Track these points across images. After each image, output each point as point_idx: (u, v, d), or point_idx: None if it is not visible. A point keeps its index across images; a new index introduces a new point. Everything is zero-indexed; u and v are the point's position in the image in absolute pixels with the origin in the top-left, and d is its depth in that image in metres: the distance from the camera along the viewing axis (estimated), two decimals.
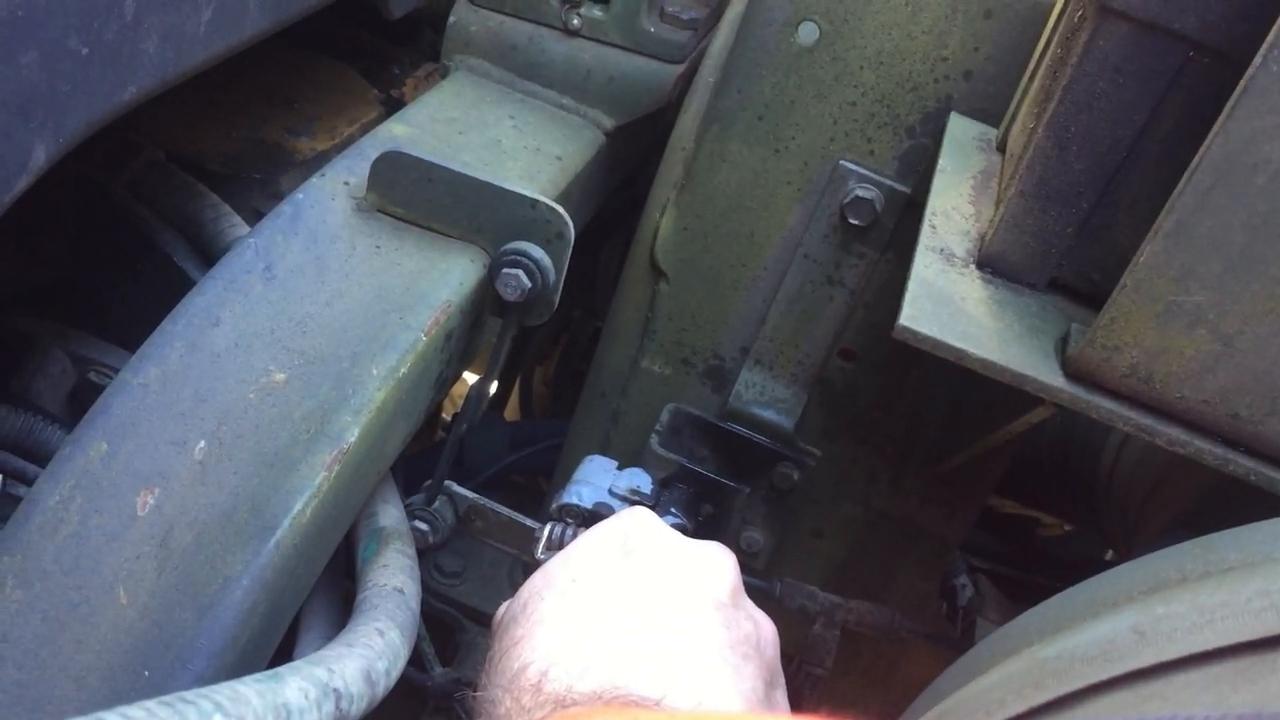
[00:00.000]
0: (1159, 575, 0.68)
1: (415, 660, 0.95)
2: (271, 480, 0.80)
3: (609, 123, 1.27)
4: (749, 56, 1.09)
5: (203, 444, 0.80)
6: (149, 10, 0.79)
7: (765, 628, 0.76)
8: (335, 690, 0.69)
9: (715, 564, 0.76)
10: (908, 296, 0.80)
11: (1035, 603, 0.77)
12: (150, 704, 0.55)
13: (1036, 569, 1.64)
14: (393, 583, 0.90)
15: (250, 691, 0.62)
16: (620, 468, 1.14)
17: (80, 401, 1.05)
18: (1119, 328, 0.73)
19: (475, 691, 0.70)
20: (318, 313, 0.89)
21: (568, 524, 0.98)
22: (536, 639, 0.68)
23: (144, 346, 0.84)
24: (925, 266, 0.83)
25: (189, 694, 0.58)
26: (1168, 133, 0.75)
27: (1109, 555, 1.86)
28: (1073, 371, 0.77)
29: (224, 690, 0.60)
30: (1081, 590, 0.74)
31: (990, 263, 0.85)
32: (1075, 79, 0.76)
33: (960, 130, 1.02)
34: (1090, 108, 0.77)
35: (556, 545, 0.95)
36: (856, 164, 1.10)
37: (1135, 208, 0.79)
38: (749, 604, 0.77)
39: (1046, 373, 0.77)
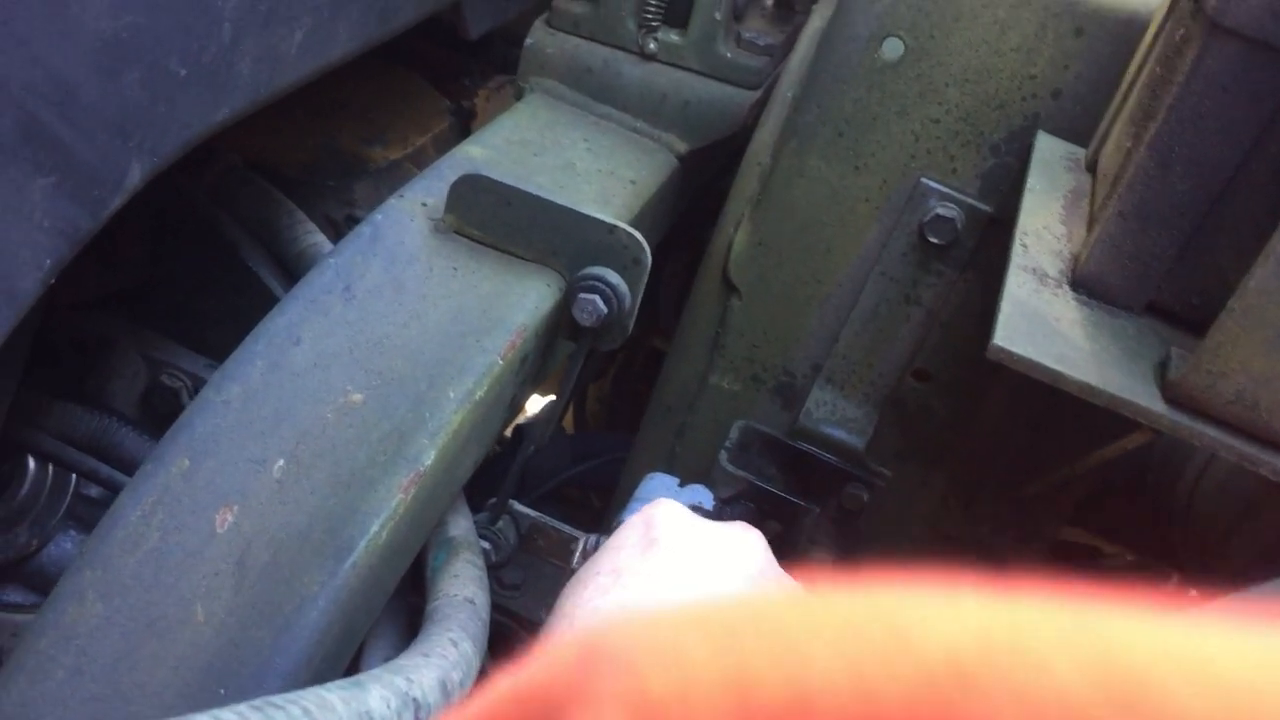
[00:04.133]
0: None
1: (480, 680, 0.95)
2: (349, 501, 0.80)
3: (682, 147, 1.26)
4: (830, 72, 1.08)
5: (281, 463, 0.80)
6: (245, 34, 0.79)
7: None
8: (414, 700, 0.68)
9: (742, 542, 0.75)
10: (1001, 316, 0.78)
11: None
12: (241, 707, 0.55)
13: (1096, 597, 1.60)
14: (464, 593, 0.89)
15: (335, 699, 0.61)
16: (683, 484, 1.13)
17: (152, 404, 1.05)
18: (1225, 353, 0.71)
19: None
20: (395, 334, 0.88)
21: (602, 534, 0.97)
22: (558, 631, 0.68)
23: (226, 364, 0.84)
24: (1018, 286, 0.82)
25: (277, 699, 0.58)
26: (1278, 153, 0.74)
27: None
28: (1173, 397, 0.75)
29: (310, 696, 0.60)
30: None
31: (1085, 284, 0.83)
32: (1181, 98, 0.75)
33: (1048, 149, 1.00)
34: (1196, 127, 0.75)
35: (591, 555, 0.95)
36: (938, 182, 1.08)
37: (1240, 230, 0.77)
38: (782, 574, 0.76)
39: (1146, 397, 0.75)
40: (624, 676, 0.21)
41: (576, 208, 0.94)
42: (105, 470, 0.99)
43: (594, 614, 0.68)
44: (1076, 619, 0.19)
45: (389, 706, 0.65)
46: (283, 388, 0.83)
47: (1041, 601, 0.20)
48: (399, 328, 0.89)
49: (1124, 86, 0.95)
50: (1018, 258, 0.84)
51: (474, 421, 0.88)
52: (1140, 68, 0.92)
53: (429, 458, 0.83)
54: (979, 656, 0.19)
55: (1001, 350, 0.76)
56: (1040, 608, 0.20)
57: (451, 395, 0.86)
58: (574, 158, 1.16)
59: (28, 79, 0.62)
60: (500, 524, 1.07)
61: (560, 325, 0.98)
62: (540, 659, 0.25)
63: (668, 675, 0.21)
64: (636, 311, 0.96)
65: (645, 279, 0.95)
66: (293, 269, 1.06)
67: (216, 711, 0.53)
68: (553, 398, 1.09)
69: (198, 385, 1.04)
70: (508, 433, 1.67)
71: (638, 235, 0.93)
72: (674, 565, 0.71)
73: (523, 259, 0.97)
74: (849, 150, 1.10)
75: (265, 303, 1.03)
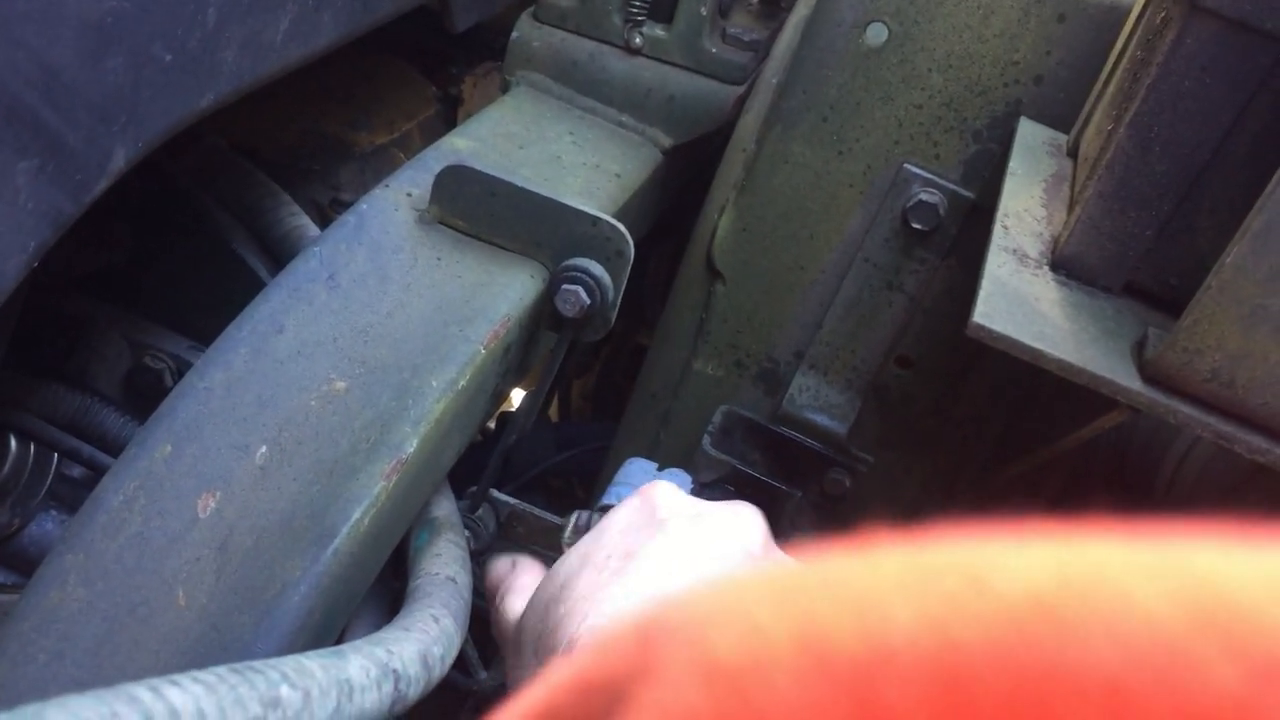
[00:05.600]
0: None
1: (458, 663, 0.95)
2: (331, 488, 0.80)
3: (667, 141, 1.27)
4: (815, 57, 1.09)
5: (264, 449, 0.80)
6: (230, 20, 0.80)
7: None
8: (394, 671, 0.69)
9: (743, 520, 0.76)
10: (981, 294, 0.79)
11: None
12: (221, 670, 0.55)
13: None
14: (446, 572, 0.89)
15: (315, 665, 0.61)
16: (664, 469, 1.13)
17: (135, 385, 1.05)
18: (1201, 330, 0.72)
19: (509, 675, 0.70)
20: (379, 322, 0.89)
21: (594, 511, 0.98)
22: (579, 614, 0.68)
23: (209, 350, 0.85)
24: (998, 266, 0.82)
25: (256, 663, 0.58)
26: (1256, 134, 0.74)
27: None
28: (1150, 375, 0.75)
29: (289, 662, 0.60)
30: None
31: (1065, 265, 0.83)
32: (1160, 78, 0.75)
33: (1030, 134, 1.00)
34: (1175, 108, 0.75)
35: (584, 531, 0.95)
36: (921, 167, 1.09)
37: (1218, 210, 0.77)
38: (779, 553, 0.79)
39: (1124, 375, 0.76)
40: (691, 646, 0.21)
41: (560, 199, 0.94)
42: (87, 450, 0.99)
43: (617, 598, 0.68)
44: (1155, 551, 0.19)
45: (368, 675, 0.65)
46: (266, 375, 0.83)
47: (1114, 539, 0.20)
48: (383, 317, 0.89)
49: (1105, 72, 0.96)
50: (998, 239, 0.85)
51: (457, 410, 0.88)
52: (1122, 53, 0.92)
53: (411, 446, 0.83)
54: (1062, 593, 0.19)
55: (981, 328, 0.76)
56: (1115, 544, 0.20)
57: (434, 384, 0.87)
58: (559, 151, 1.16)
59: (11, 61, 0.62)
60: (480, 512, 1.08)
61: (543, 316, 0.98)
62: (596, 645, 0.24)
63: (737, 639, 0.20)
64: (619, 304, 0.97)
65: (628, 271, 0.95)
66: (277, 252, 1.06)
67: (196, 673, 0.54)
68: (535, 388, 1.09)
69: (180, 367, 1.04)
70: (491, 424, 1.67)
71: (621, 227, 0.94)
72: (684, 546, 0.72)
73: (506, 250, 0.97)
74: (833, 136, 1.10)
75: (249, 285, 1.03)
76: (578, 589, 0.71)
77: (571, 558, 0.76)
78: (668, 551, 0.71)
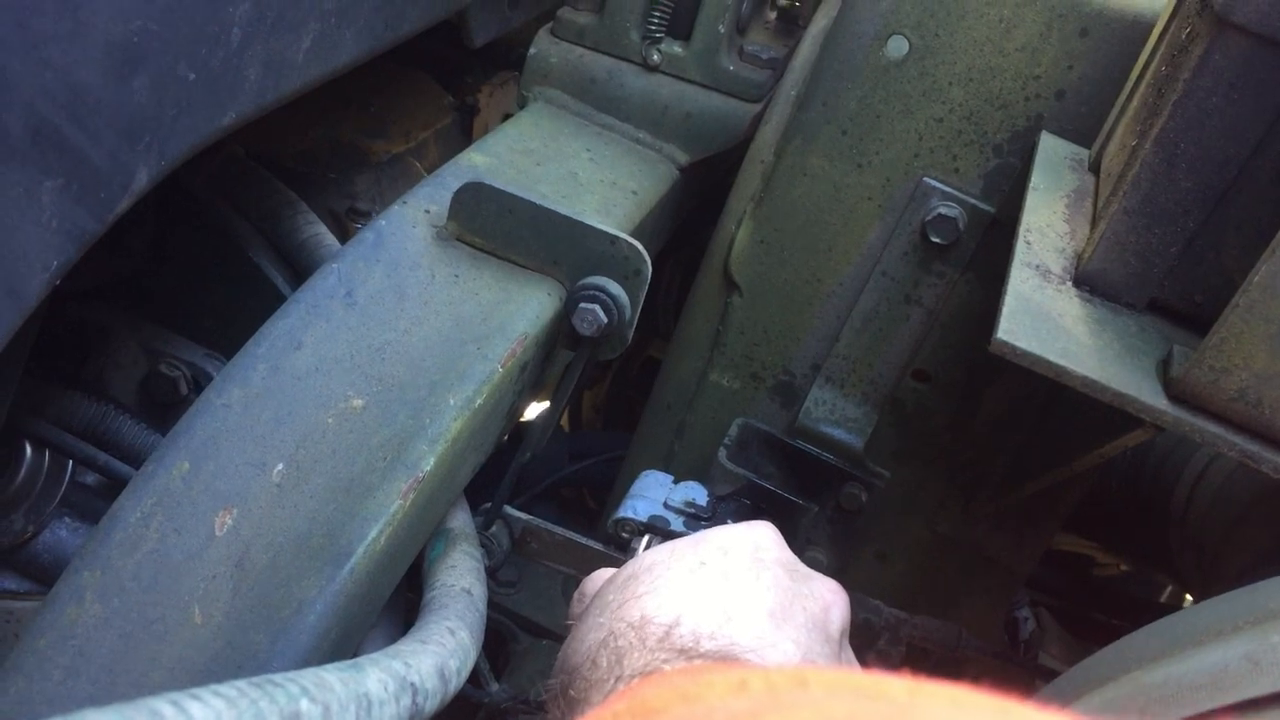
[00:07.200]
0: (1268, 605, 0.66)
1: (471, 675, 0.95)
2: (347, 506, 0.80)
3: (683, 158, 1.27)
4: (835, 70, 1.08)
5: (281, 467, 0.80)
6: (253, 39, 0.80)
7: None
8: (412, 684, 0.68)
9: (833, 600, 0.75)
10: (1005, 310, 0.78)
11: (1094, 640, 0.75)
12: (241, 684, 0.54)
13: (1094, 606, 1.61)
14: (461, 584, 0.89)
15: (334, 679, 0.61)
16: (679, 481, 1.12)
17: (150, 392, 1.05)
18: (1228, 349, 0.71)
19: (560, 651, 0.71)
20: (396, 340, 0.89)
21: (654, 538, 0.98)
22: (663, 596, 0.68)
23: (228, 367, 0.85)
24: (1021, 282, 0.81)
25: (276, 677, 0.58)
26: None
27: (1164, 597, 1.83)
28: (1176, 393, 0.75)
29: (309, 676, 0.60)
30: (1181, 619, 0.72)
31: (1088, 281, 0.83)
32: (1187, 94, 0.75)
33: (1052, 149, 1.00)
34: (1202, 124, 0.75)
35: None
36: (940, 181, 1.08)
37: (1244, 228, 0.77)
38: (848, 646, 0.78)
39: (1149, 393, 0.75)
40: None
41: (579, 217, 0.94)
42: (102, 457, 0.99)
43: (697, 592, 0.69)
44: None
45: (387, 689, 0.65)
46: (283, 392, 0.83)
47: None
48: (400, 334, 0.89)
49: (1128, 87, 0.95)
50: (1021, 254, 0.84)
51: (473, 429, 0.88)
52: (1145, 68, 0.92)
53: (428, 464, 0.83)
54: None
55: (1004, 344, 0.75)
56: None
57: (451, 402, 0.86)
58: (576, 167, 1.16)
59: (38, 82, 0.62)
60: (494, 529, 1.07)
61: (560, 334, 0.98)
62: None
63: None
64: (636, 321, 0.96)
65: (645, 290, 0.95)
66: (293, 260, 1.06)
67: (216, 686, 0.53)
68: (549, 404, 1.09)
69: (196, 374, 1.03)
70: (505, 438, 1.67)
71: (639, 246, 0.93)
72: (772, 589, 0.71)
73: (524, 267, 0.97)
74: (852, 149, 1.10)
75: (265, 293, 1.03)
76: (665, 577, 0.71)
77: (662, 550, 0.76)
78: (759, 590, 0.71)
